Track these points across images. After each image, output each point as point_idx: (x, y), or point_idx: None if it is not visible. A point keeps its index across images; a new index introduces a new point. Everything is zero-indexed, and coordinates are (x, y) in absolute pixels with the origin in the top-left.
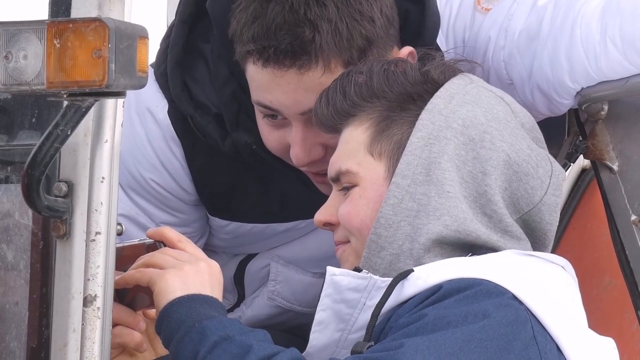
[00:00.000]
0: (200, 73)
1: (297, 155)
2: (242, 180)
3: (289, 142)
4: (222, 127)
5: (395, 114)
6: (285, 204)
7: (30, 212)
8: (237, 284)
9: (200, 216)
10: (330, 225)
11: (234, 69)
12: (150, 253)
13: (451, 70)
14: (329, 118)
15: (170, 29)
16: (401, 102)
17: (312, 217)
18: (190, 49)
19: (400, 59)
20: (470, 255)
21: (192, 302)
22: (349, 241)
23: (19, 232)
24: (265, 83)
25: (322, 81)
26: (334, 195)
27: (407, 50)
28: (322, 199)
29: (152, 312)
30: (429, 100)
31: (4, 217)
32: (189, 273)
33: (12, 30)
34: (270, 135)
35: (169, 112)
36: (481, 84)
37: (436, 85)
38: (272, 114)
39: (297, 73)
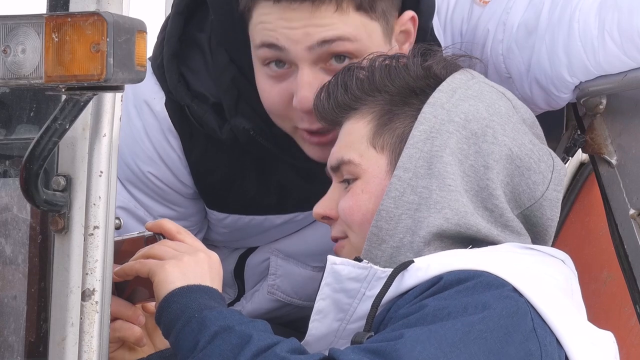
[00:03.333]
0: (196, 63)
1: (303, 98)
2: (240, 171)
3: (291, 94)
4: (220, 115)
5: (397, 108)
6: (283, 195)
7: (28, 206)
8: (237, 278)
9: (198, 209)
10: (328, 219)
11: (234, 55)
12: (150, 245)
13: (453, 66)
14: (329, 112)
15: (167, 21)
16: (403, 97)
17: (310, 209)
18: (186, 40)
19: (401, 54)
20: (471, 248)
21: (192, 292)
22: (346, 236)
23: (17, 226)
24: (275, 20)
25: (333, 20)
26: (334, 188)
27: (408, 14)
28: (320, 191)
29: (151, 305)
30: (431, 95)
31: (2, 211)
32: (189, 263)
33: (11, 24)
34: (271, 90)
35: (166, 104)
36: (482, 80)
37: (438, 80)
38: (277, 58)
39: (311, 6)
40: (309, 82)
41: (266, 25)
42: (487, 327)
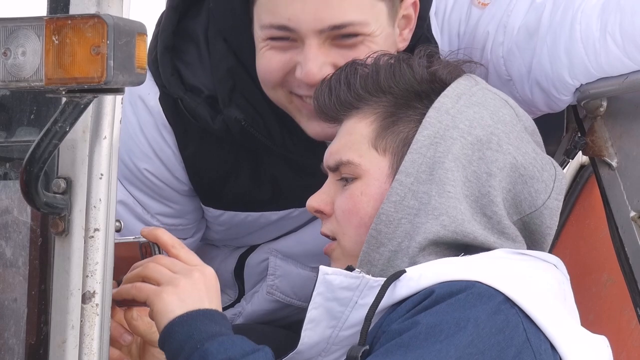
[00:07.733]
0: (190, 57)
1: (309, 72)
2: (234, 166)
3: (294, 64)
4: (213, 108)
5: (401, 111)
6: (277, 190)
7: (29, 208)
8: (237, 278)
9: (194, 207)
10: (322, 214)
11: (232, 43)
12: (145, 263)
13: (457, 70)
14: (331, 108)
15: (161, 17)
16: (407, 100)
17: (304, 205)
18: (180, 34)
19: (405, 54)
20: (463, 255)
21: (192, 319)
22: (335, 238)
23: (17, 228)
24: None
25: (343, 3)
26: (330, 183)
27: None
28: (313, 185)
29: (141, 327)
30: (434, 99)
31: (2, 214)
32: (185, 288)
33: (11, 27)
34: (272, 58)
35: (160, 98)
36: (485, 86)
37: (443, 85)
38: (283, 35)
39: None
40: (316, 55)
41: (277, 4)
42: (478, 349)
